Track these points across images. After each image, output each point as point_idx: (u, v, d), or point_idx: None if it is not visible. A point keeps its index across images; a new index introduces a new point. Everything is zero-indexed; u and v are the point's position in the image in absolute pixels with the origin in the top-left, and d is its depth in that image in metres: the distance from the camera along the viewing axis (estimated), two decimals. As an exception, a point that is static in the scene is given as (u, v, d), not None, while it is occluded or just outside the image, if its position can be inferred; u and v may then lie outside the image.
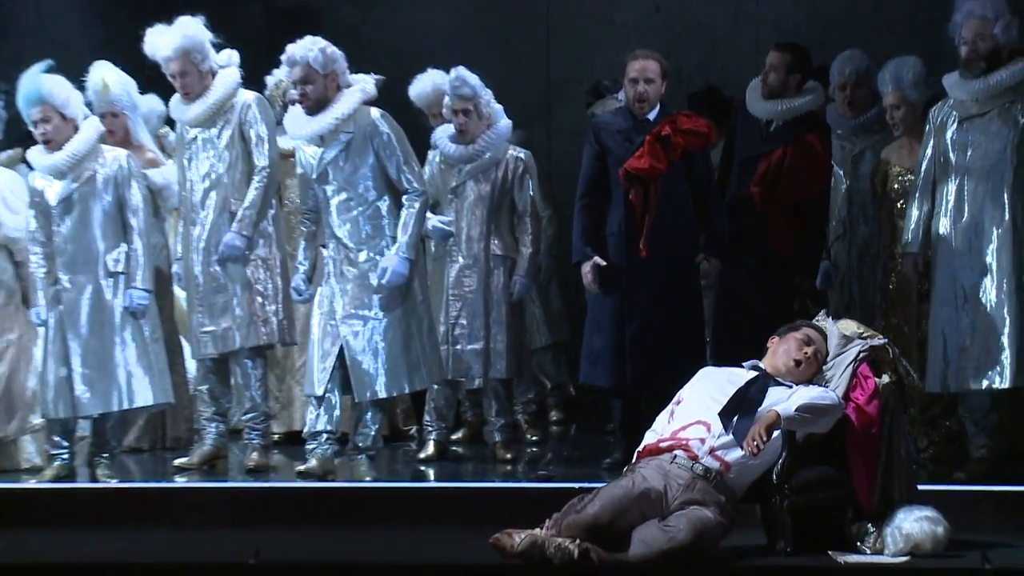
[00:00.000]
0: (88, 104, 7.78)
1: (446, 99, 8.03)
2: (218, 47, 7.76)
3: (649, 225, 7.48)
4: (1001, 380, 7.11)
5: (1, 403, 7.86)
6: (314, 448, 7.40)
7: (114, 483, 7.44)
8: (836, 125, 8.05)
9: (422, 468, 7.91)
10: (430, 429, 8.12)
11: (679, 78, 9.08)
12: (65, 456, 7.56)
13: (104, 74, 8.05)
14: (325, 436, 7.39)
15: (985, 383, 7.13)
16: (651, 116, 7.63)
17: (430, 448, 8.07)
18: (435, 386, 7.91)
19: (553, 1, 10.38)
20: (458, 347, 7.96)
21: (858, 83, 7.98)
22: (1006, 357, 7.09)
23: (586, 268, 7.61)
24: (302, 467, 7.39)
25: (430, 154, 8.21)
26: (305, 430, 7.50)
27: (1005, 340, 7.10)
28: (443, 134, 8.08)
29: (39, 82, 7.43)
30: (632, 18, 10.24)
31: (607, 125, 7.77)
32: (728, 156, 8.03)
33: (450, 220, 7.99)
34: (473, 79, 7.92)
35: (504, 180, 8.04)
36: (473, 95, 7.92)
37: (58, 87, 7.45)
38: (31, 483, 7.50)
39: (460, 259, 8.02)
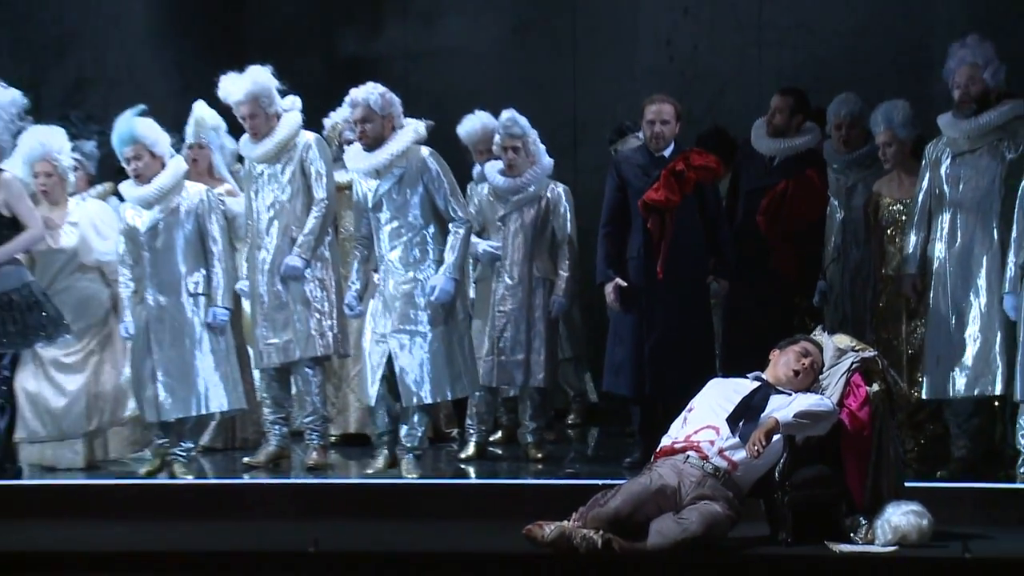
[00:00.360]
0: (176, 142, 7.88)
1: (496, 137, 8.03)
2: (283, 93, 7.81)
3: (665, 250, 7.50)
4: (993, 388, 7.12)
5: (87, 403, 7.92)
6: (380, 448, 7.56)
7: (190, 479, 7.51)
8: (832, 160, 8.04)
9: (463, 466, 7.93)
10: (471, 431, 8.14)
11: (690, 119, 9.05)
12: (159, 453, 7.64)
13: (203, 112, 8.20)
14: (386, 437, 7.53)
15: (978, 391, 7.14)
16: (666, 153, 7.65)
17: (470, 448, 8.10)
18: (477, 393, 7.94)
19: (579, 51, 10.40)
20: (502, 358, 7.98)
21: (852, 123, 7.97)
22: (997, 367, 7.10)
23: (609, 289, 7.63)
24: (370, 469, 7.50)
25: (476, 186, 8.25)
26: (372, 434, 7.75)
27: (996, 351, 7.10)
28: (492, 169, 8.11)
29: (132, 124, 7.52)
30: (649, 67, 10.25)
31: (627, 160, 7.79)
32: (734, 189, 8.04)
33: (498, 245, 8.05)
34: (523, 120, 7.95)
35: (546, 211, 8.07)
36: (522, 134, 7.96)
37: (149, 128, 7.54)
38: (133, 475, 7.56)
39: (506, 279, 8.05)
